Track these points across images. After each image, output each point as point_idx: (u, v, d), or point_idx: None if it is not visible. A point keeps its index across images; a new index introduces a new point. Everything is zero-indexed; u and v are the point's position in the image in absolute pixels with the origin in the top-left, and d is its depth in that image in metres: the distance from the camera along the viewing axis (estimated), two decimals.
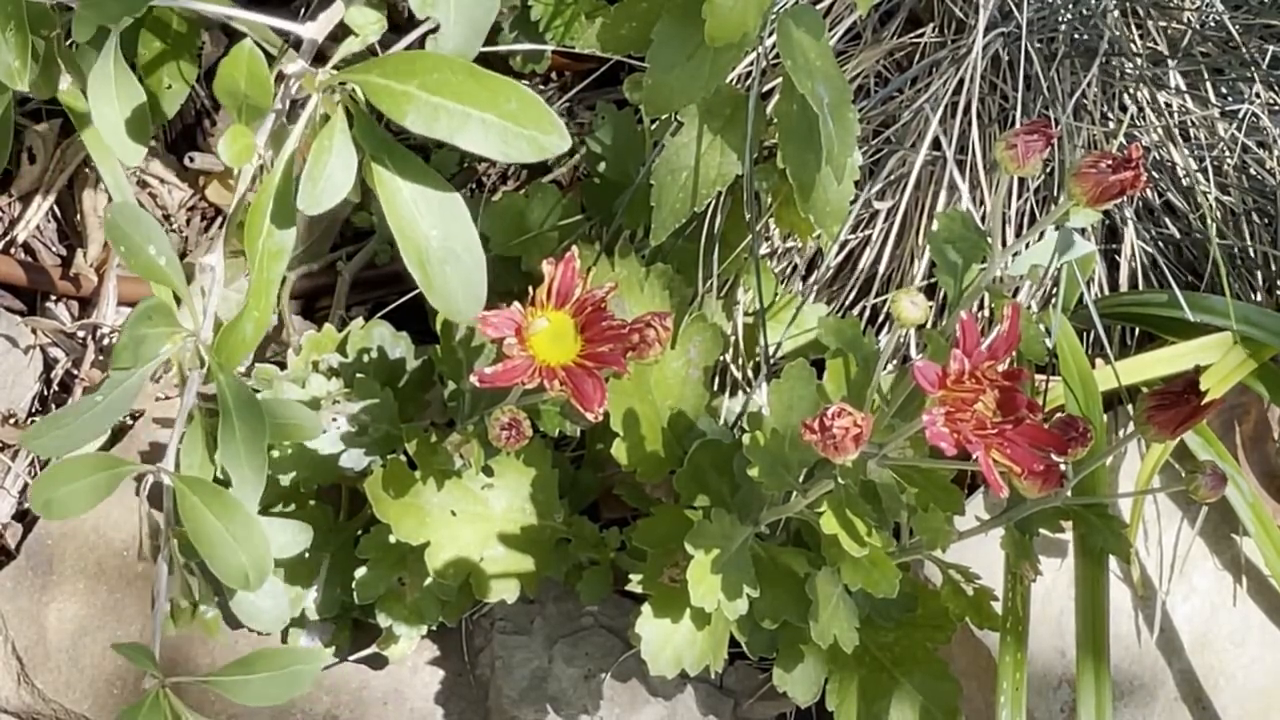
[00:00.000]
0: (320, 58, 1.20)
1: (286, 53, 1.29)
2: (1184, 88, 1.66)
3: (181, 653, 1.56)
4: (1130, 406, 1.59)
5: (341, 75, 1.12)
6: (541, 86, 1.85)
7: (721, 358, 1.60)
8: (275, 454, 1.50)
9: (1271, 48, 1.64)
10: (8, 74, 1.27)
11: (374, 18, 1.13)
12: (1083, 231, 1.49)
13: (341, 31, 1.18)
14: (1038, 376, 1.59)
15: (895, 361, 1.64)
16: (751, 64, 1.53)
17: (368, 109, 1.13)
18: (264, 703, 1.28)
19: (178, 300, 1.47)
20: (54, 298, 1.79)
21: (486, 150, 1.09)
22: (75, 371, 1.74)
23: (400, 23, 1.62)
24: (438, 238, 1.13)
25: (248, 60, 1.13)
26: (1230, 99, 1.67)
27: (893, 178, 1.64)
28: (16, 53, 1.26)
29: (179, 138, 1.84)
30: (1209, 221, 1.63)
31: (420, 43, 1.19)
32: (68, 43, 1.39)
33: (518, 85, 1.09)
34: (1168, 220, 1.68)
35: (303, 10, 1.82)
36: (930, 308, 1.26)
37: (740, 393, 1.63)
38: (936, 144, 1.60)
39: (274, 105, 1.16)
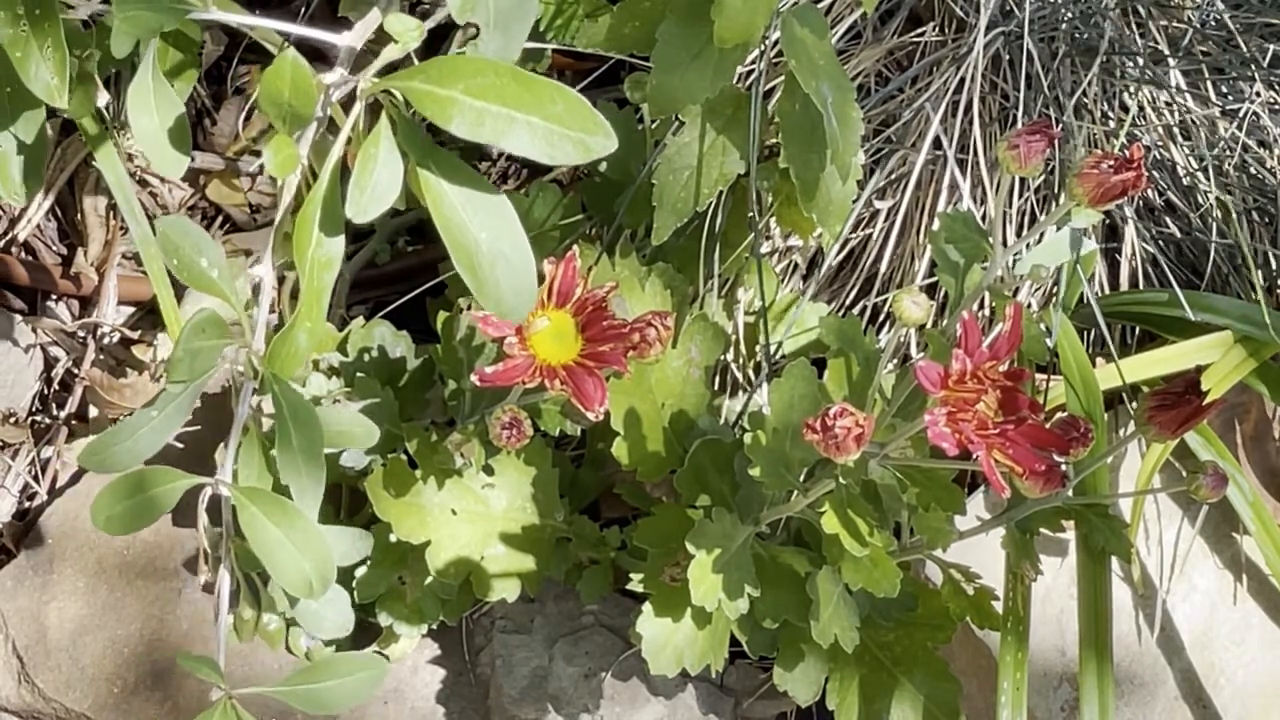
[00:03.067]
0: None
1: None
2: (1184, 87, 1.66)
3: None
4: (1131, 405, 1.59)
5: (385, 83, 1.12)
6: None
7: (722, 357, 1.60)
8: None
9: (1272, 46, 1.64)
10: (47, 92, 1.27)
11: (412, 24, 1.13)
12: (1084, 231, 1.49)
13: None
14: (1039, 375, 1.59)
15: (896, 361, 1.64)
16: (753, 63, 1.53)
17: (409, 114, 1.13)
18: (328, 711, 1.29)
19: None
20: (54, 297, 1.79)
21: (533, 153, 1.09)
22: (76, 371, 1.74)
23: None
24: (486, 239, 1.13)
25: (291, 70, 1.13)
26: (1231, 98, 1.67)
27: (894, 177, 1.64)
28: (55, 70, 1.26)
29: None
30: (1211, 221, 1.64)
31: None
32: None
33: (563, 87, 1.09)
34: (1168, 219, 1.68)
35: (303, 10, 1.82)
36: (931, 307, 1.26)
37: (741, 392, 1.63)
38: (937, 143, 1.60)
39: (315, 114, 1.16)
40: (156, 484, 1.25)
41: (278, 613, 1.41)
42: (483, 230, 1.14)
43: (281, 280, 1.76)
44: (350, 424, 1.33)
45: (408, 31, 1.14)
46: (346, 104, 1.17)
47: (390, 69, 1.15)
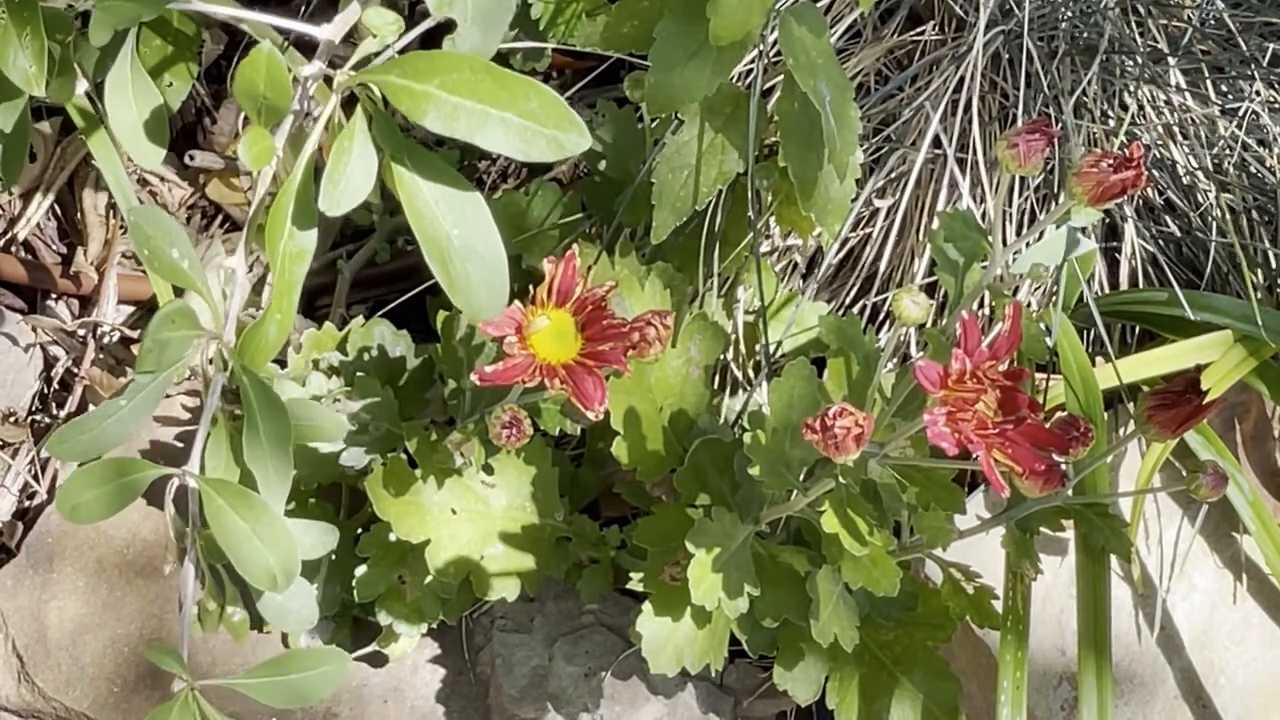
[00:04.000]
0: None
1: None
2: (1184, 85, 1.66)
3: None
4: (1131, 405, 1.59)
5: (360, 76, 1.12)
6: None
7: (722, 356, 1.60)
8: None
9: (1272, 45, 1.64)
10: (25, 80, 1.27)
11: (391, 19, 1.13)
12: (1083, 230, 1.49)
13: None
14: (1038, 375, 1.59)
15: (896, 360, 1.64)
16: (752, 61, 1.53)
17: (385, 109, 1.13)
18: (292, 704, 1.28)
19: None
20: (54, 296, 1.79)
21: (507, 149, 1.09)
22: (75, 370, 1.74)
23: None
24: (459, 236, 1.13)
25: (267, 62, 1.13)
26: (1230, 97, 1.67)
27: (893, 175, 1.64)
28: (34, 58, 1.26)
29: (179, 135, 1.84)
30: (1212, 220, 1.63)
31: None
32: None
33: (537, 84, 1.09)
34: (1168, 218, 1.68)
35: (303, 8, 1.82)
36: (931, 306, 1.26)
37: (741, 391, 1.63)
38: (937, 142, 1.60)
39: (292, 106, 1.16)
40: (124, 474, 1.25)
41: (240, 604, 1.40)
42: (455, 227, 1.14)
43: None
44: (319, 418, 1.33)
45: (386, 25, 1.13)
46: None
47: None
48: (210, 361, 1.25)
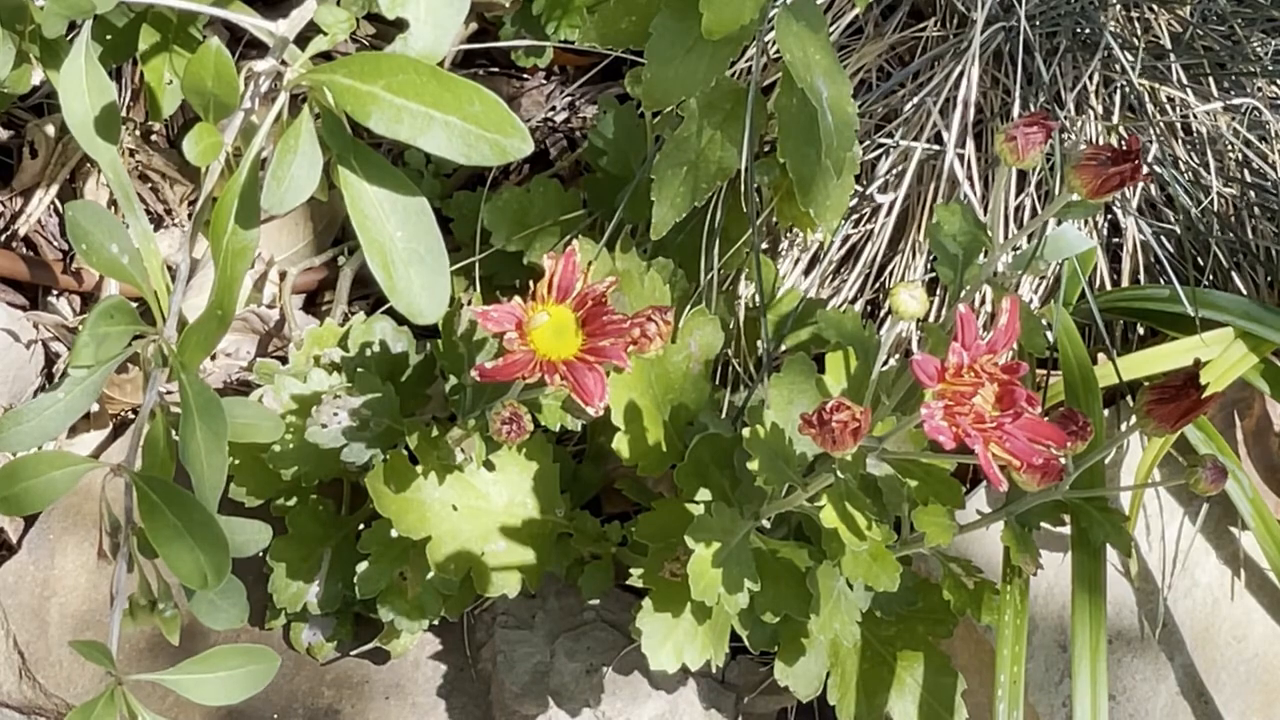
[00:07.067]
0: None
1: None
2: (1186, 82, 1.66)
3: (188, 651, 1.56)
4: (1132, 401, 1.59)
5: (308, 76, 1.12)
6: (544, 81, 1.85)
7: (723, 352, 1.60)
8: (277, 448, 1.50)
9: (1274, 42, 1.64)
10: None
11: (343, 16, 1.13)
12: (1084, 224, 1.49)
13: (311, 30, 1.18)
14: (1039, 371, 1.59)
15: (899, 355, 1.64)
16: (752, 58, 1.53)
17: (336, 108, 1.13)
18: (220, 702, 1.28)
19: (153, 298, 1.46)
20: (56, 292, 1.79)
21: (449, 153, 1.09)
22: None
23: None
24: (402, 239, 1.13)
25: (215, 58, 1.13)
26: (1232, 93, 1.67)
27: (894, 172, 1.64)
28: None
29: (181, 132, 1.84)
30: (1213, 216, 1.63)
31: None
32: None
33: (480, 88, 1.09)
34: (1170, 215, 1.68)
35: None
36: (929, 301, 1.26)
37: (742, 386, 1.63)
38: (939, 137, 1.60)
39: (243, 103, 1.16)
40: (55, 467, 1.25)
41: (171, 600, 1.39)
42: (399, 229, 1.13)
43: (283, 276, 1.77)
44: (258, 417, 1.33)
45: (338, 23, 1.13)
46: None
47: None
48: (156, 354, 1.24)
